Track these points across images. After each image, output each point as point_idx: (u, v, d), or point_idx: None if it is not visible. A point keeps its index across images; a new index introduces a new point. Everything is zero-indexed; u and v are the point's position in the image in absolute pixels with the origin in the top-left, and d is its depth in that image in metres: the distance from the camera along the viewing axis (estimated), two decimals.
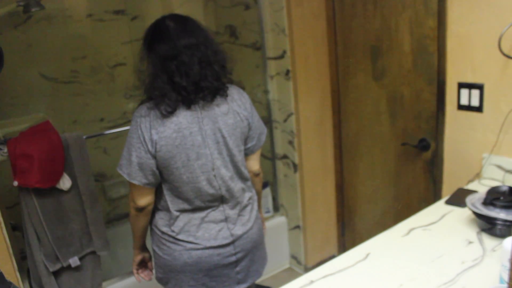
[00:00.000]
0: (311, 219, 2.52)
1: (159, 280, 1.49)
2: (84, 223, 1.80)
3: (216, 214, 1.41)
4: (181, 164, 1.31)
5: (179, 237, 1.39)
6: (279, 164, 2.57)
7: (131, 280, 2.06)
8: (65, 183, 1.72)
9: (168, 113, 1.28)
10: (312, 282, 1.15)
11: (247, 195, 1.49)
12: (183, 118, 1.29)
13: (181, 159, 1.30)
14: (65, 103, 2.44)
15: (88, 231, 1.81)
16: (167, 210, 1.40)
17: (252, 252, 1.50)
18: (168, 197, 1.37)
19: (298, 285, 1.14)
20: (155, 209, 1.44)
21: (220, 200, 1.41)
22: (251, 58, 2.54)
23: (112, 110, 2.58)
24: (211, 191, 1.37)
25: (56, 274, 1.76)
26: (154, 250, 1.48)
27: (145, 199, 1.36)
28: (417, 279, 1.11)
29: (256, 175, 1.56)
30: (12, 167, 1.61)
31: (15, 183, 1.59)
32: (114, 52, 2.53)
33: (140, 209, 1.38)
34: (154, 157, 1.29)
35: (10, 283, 0.75)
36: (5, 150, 1.61)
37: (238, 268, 1.47)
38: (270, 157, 2.61)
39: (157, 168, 1.32)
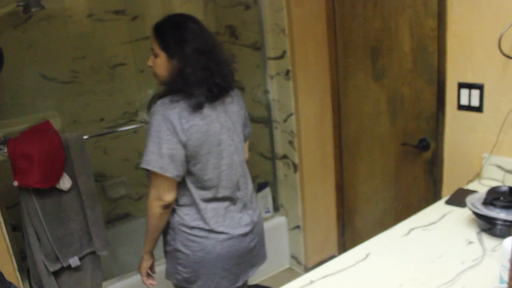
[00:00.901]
0: (311, 219, 2.52)
1: (185, 280, 1.47)
2: (84, 223, 1.80)
3: (236, 202, 1.49)
4: (207, 151, 1.37)
5: (212, 228, 1.42)
6: (279, 164, 2.57)
7: (131, 280, 2.07)
8: (65, 183, 1.72)
9: (199, 107, 1.33)
10: (312, 282, 1.15)
11: (250, 181, 1.57)
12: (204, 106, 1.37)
13: (207, 145, 1.36)
14: (65, 103, 2.44)
15: (88, 231, 1.81)
16: (192, 204, 1.42)
17: (261, 237, 1.60)
18: (193, 189, 1.40)
19: (298, 285, 1.14)
20: (176, 207, 1.44)
21: (237, 187, 1.48)
22: (251, 58, 2.54)
23: (112, 110, 2.58)
24: (230, 176, 1.44)
25: (56, 274, 1.76)
26: (179, 251, 1.45)
27: (172, 194, 1.38)
28: (417, 279, 1.11)
29: (247, 162, 1.63)
30: (12, 167, 1.61)
31: (15, 183, 1.59)
32: (114, 52, 2.53)
33: (168, 206, 1.39)
34: (185, 146, 1.33)
35: (10, 283, 0.75)
36: (5, 150, 1.61)
37: (254, 253, 1.55)
38: (270, 157, 2.61)
39: (185, 158, 1.35)
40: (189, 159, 1.36)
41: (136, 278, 2.07)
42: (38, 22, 2.26)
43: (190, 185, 1.40)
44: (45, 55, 2.33)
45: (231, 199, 1.47)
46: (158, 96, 1.37)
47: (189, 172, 1.38)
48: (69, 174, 1.74)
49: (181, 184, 1.40)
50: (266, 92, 2.47)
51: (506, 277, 0.98)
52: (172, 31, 1.37)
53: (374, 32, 2.06)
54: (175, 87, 1.35)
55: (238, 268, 1.50)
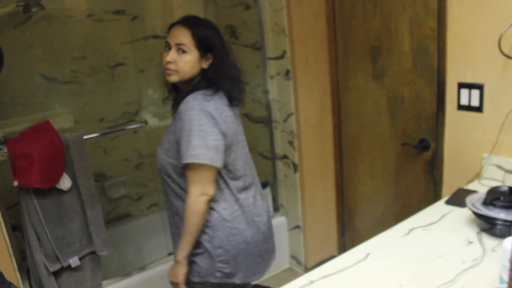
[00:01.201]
0: (311, 219, 2.52)
1: (226, 276, 1.46)
2: (84, 223, 1.80)
3: (256, 189, 1.55)
4: (237, 140, 1.44)
5: (250, 217, 1.47)
6: (279, 164, 2.57)
7: (131, 280, 2.07)
8: (65, 183, 1.72)
9: (237, 103, 1.44)
10: (312, 282, 1.15)
11: None
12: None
13: (236, 134, 1.44)
14: (65, 103, 2.44)
15: (88, 231, 1.81)
16: (228, 197, 1.44)
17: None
18: (228, 180, 1.43)
19: (298, 285, 1.14)
20: (212, 204, 1.43)
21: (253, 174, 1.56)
22: (251, 58, 2.54)
23: (112, 110, 2.58)
24: (250, 164, 1.53)
25: (56, 274, 1.76)
26: (220, 248, 1.44)
27: (214, 187, 1.39)
28: (417, 279, 1.11)
29: None
30: (12, 167, 1.61)
31: (15, 183, 1.60)
32: (114, 52, 2.53)
33: (210, 200, 1.39)
34: (225, 136, 1.37)
35: (10, 283, 0.75)
36: (5, 150, 1.61)
37: (273, 236, 1.62)
38: (270, 157, 2.61)
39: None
40: (226, 149, 1.38)
41: (136, 278, 2.08)
42: (38, 22, 2.26)
43: (226, 177, 1.42)
44: (45, 55, 2.33)
45: (253, 186, 1.53)
46: (187, 93, 1.38)
47: (225, 162, 1.40)
48: (69, 174, 1.74)
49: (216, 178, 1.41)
50: (266, 92, 2.47)
51: (506, 277, 0.98)
52: (212, 32, 1.41)
53: (374, 32, 2.06)
54: (211, 83, 1.40)
55: (267, 253, 1.56)
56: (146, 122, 2.36)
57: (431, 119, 1.89)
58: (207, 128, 1.32)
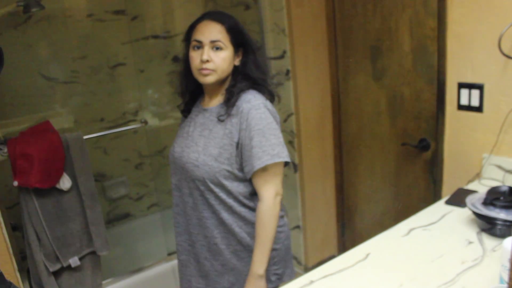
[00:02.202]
0: (311, 219, 2.52)
1: (279, 278, 1.42)
2: (84, 223, 1.80)
3: None
4: None
5: (285, 212, 1.43)
6: None
7: (131, 280, 2.07)
8: (65, 183, 1.72)
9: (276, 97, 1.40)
10: (312, 282, 1.15)
11: None
12: None
13: None
14: (65, 103, 2.44)
15: (88, 231, 1.81)
16: None
17: None
18: None
19: (298, 285, 1.14)
20: None
21: None
22: None
23: (112, 110, 2.58)
24: None
25: (56, 274, 1.76)
26: (273, 250, 1.37)
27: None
28: (417, 279, 1.11)
29: None
30: (12, 167, 1.61)
31: (15, 183, 1.60)
32: (114, 52, 2.53)
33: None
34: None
35: (10, 283, 0.75)
36: (5, 150, 1.61)
37: None
38: None
39: None
40: None
41: (136, 278, 2.08)
42: (38, 22, 2.26)
43: None
44: (45, 55, 2.33)
45: None
46: (239, 90, 1.31)
47: None
48: (69, 174, 1.74)
49: None
50: None
51: (506, 277, 0.98)
52: (243, 28, 1.33)
53: (374, 32, 2.06)
54: (257, 80, 1.33)
55: None
56: (146, 122, 2.36)
57: (431, 119, 1.89)
58: (275, 126, 1.28)
